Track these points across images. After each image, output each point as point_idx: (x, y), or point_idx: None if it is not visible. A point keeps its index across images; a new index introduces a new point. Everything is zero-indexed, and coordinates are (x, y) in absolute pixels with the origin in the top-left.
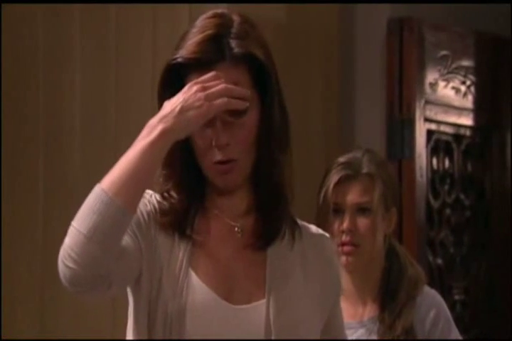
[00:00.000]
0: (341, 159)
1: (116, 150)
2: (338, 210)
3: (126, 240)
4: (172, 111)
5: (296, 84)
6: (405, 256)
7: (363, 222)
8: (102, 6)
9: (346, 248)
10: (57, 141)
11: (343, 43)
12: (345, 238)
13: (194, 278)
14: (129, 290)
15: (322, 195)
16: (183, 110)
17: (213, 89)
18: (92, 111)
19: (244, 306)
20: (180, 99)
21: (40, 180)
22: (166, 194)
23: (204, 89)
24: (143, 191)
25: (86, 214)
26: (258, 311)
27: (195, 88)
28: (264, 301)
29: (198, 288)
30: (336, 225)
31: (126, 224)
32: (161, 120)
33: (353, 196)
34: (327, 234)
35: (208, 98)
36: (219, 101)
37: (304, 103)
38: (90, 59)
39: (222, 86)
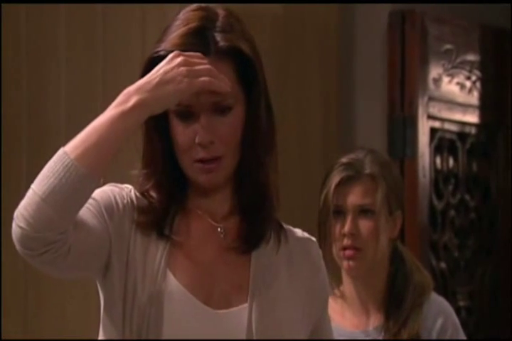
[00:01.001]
0: (343, 159)
1: None
2: (340, 212)
3: (92, 221)
4: (149, 82)
5: (293, 81)
6: (412, 261)
7: (365, 224)
8: (89, 6)
9: (348, 252)
10: (41, 141)
11: (342, 38)
12: (346, 241)
13: (172, 281)
14: (99, 288)
15: (323, 196)
16: (162, 83)
17: (198, 67)
18: (77, 111)
19: (225, 311)
20: (161, 71)
21: (23, 181)
22: (146, 193)
23: (187, 63)
24: (108, 160)
25: (45, 176)
26: (239, 316)
27: (178, 60)
28: (245, 305)
29: (176, 291)
30: (337, 228)
31: (87, 190)
32: (137, 90)
33: (354, 197)
34: (313, 238)
35: (190, 74)
36: (201, 79)
37: (300, 101)
38: (76, 59)
39: (207, 66)
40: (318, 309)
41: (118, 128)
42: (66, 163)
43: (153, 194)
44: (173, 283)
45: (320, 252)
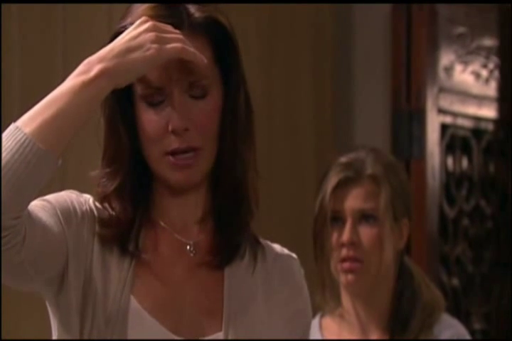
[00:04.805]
0: (341, 159)
1: None
2: (338, 219)
3: (48, 220)
4: (113, 49)
5: (281, 69)
6: (421, 277)
7: (366, 232)
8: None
9: (347, 264)
10: None
11: (339, 19)
12: (345, 252)
13: (136, 306)
14: (50, 308)
15: (318, 201)
16: (127, 50)
17: (169, 35)
18: (34, 96)
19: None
20: (127, 37)
21: None
22: (106, 204)
23: (157, 29)
24: (68, 136)
25: None
26: None
27: (146, 25)
28: (220, 334)
29: (140, 317)
30: (334, 237)
31: (44, 169)
32: (100, 59)
33: (354, 201)
34: (294, 255)
35: (160, 40)
36: (172, 45)
37: (290, 92)
38: (32, 37)
39: (179, 35)
40: (299, 334)
41: (79, 100)
42: (19, 138)
43: (114, 203)
44: (136, 310)
45: (302, 271)
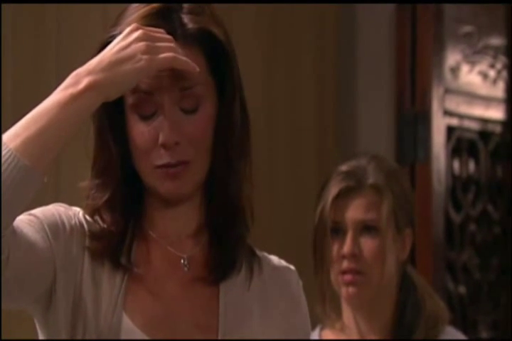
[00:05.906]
0: (342, 167)
1: None
2: (338, 230)
3: (34, 235)
4: (102, 61)
5: (282, 70)
6: (424, 287)
7: (368, 244)
8: None
9: (347, 277)
10: None
11: (342, 20)
12: (346, 264)
13: (128, 323)
14: (38, 326)
15: (318, 211)
16: (117, 62)
17: (160, 44)
18: (26, 102)
19: None
20: (116, 48)
21: None
22: (96, 216)
23: (148, 37)
24: (55, 151)
25: None
26: None
27: (136, 34)
28: None
29: (132, 335)
30: (335, 248)
31: (29, 185)
32: (88, 71)
33: (355, 212)
34: (292, 267)
35: (151, 50)
36: (163, 55)
37: (292, 94)
38: (24, 40)
39: (171, 44)
40: None
41: (67, 114)
42: (3, 153)
43: (105, 216)
44: (129, 327)
45: (300, 283)
